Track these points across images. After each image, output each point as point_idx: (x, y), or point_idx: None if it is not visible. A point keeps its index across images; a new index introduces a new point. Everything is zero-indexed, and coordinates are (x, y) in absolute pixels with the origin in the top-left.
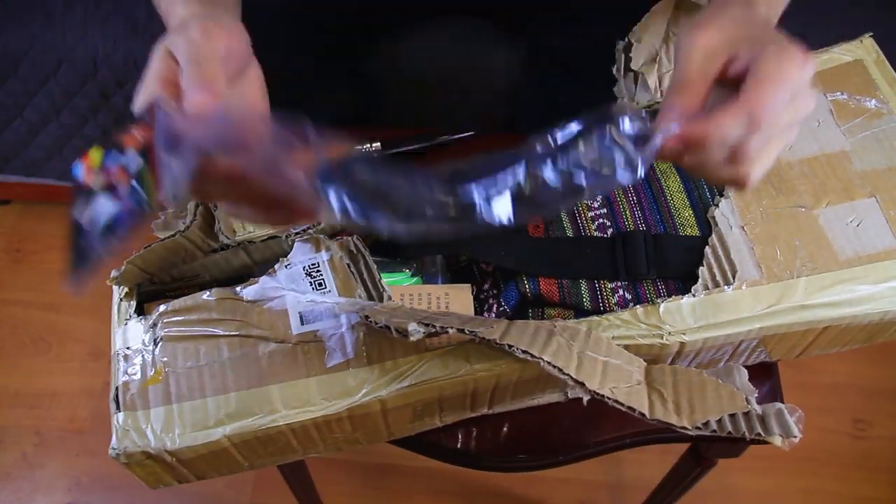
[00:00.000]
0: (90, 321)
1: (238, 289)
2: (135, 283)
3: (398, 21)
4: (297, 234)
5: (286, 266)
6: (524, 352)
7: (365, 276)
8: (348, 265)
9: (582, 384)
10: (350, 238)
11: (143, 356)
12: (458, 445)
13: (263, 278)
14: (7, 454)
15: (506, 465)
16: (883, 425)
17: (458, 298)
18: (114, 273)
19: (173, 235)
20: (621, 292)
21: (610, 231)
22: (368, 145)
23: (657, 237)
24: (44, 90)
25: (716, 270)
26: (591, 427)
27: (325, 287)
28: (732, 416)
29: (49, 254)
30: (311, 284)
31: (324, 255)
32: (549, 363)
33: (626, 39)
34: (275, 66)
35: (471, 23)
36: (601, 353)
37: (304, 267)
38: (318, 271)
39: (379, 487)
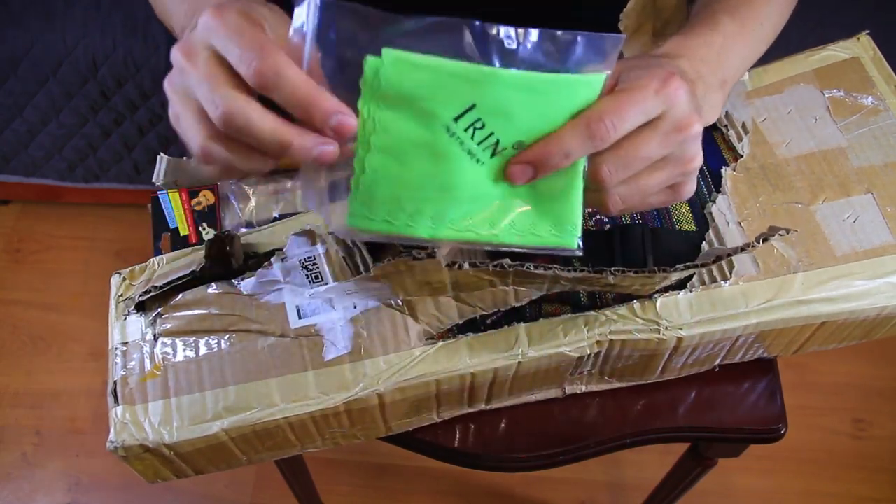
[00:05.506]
0: (90, 321)
1: (235, 281)
2: (138, 280)
3: None
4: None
5: (282, 259)
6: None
7: (361, 269)
8: (344, 258)
9: None
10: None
11: (141, 350)
12: (457, 444)
13: (260, 271)
14: (7, 454)
15: (505, 464)
16: (883, 425)
17: None
18: (121, 273)
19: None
20: None
21: (607, 225)
22: None
23: (655, 230)
24: (44, 90)
25: (713, 266)
26: (591, 427)
27: (322, 280)
28: None
29: (49, 254)
30: (308, 277)
31: (319, 249)
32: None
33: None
34: None
35: None
36: None
37: (301, 260)
38: (314, 264)
39: (379, 487)
